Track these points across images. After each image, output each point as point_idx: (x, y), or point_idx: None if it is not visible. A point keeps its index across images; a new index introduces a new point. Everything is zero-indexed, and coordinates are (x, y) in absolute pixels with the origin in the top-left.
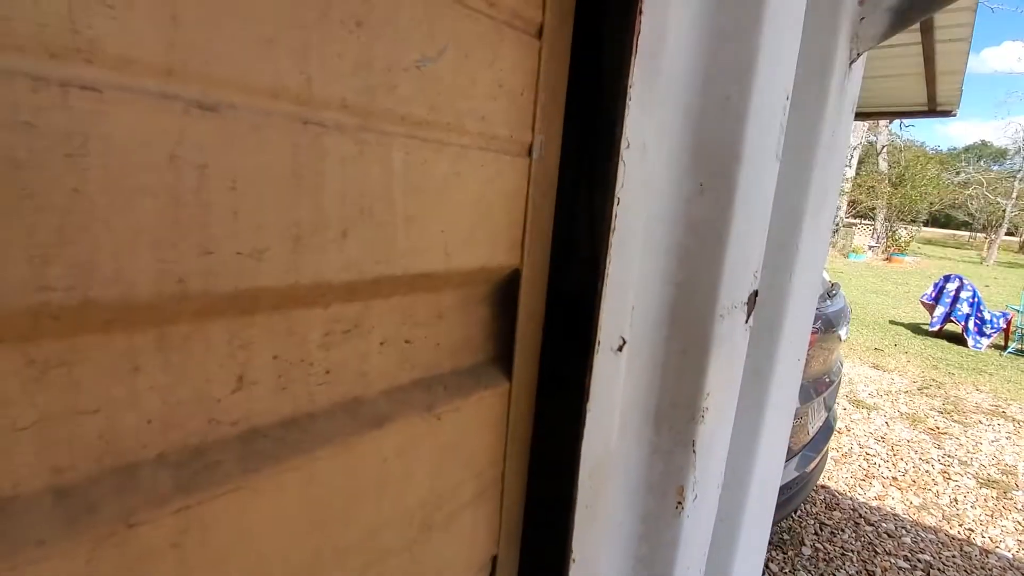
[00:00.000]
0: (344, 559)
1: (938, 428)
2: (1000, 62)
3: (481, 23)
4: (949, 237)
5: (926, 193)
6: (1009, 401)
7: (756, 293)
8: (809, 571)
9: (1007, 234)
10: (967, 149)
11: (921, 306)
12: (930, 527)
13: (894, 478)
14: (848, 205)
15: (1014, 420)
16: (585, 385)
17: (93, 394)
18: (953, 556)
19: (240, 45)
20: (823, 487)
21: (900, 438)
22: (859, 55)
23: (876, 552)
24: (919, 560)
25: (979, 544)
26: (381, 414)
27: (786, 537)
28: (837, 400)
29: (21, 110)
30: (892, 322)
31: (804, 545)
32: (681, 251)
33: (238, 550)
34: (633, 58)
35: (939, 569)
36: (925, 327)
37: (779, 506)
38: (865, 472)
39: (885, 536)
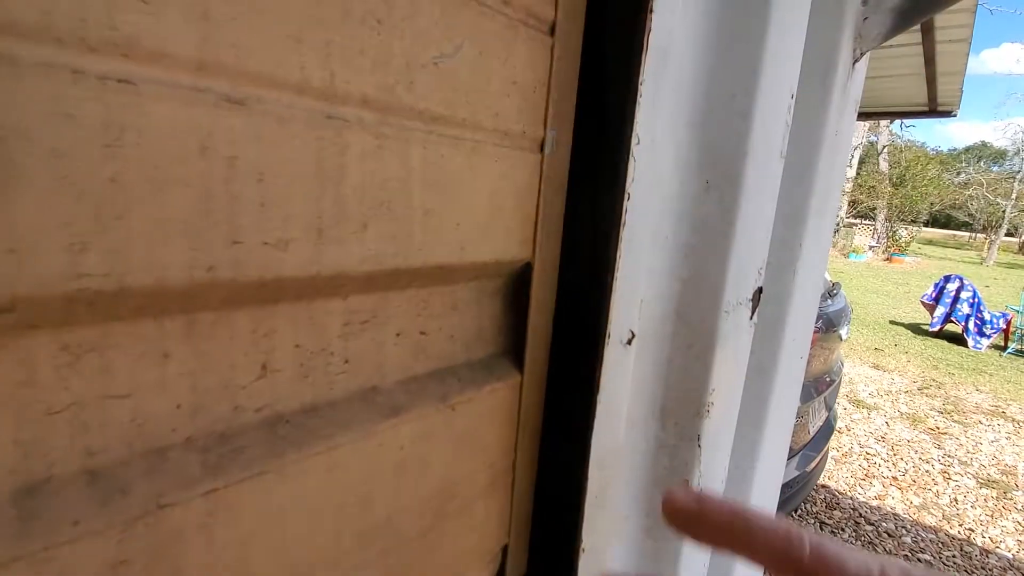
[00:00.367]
0: (364, 543)
1: (938, 428)
2: (999, 63)
3: (496, 20)
4: (949, 237)
5: (926, 193)
6: (1009, 401)
7: (760, 290)
8: None
9: (1007, 235)
10: (967, 150)
11: (921, 306)
12: (930, 527)
13: (894, 478)
14: (849, 205)
15: (1014, 420)
16: (596, 377)
17: (124, 379)
18: (953, 556)
19: (267, 41)
20: (823, 486)
21: (900, 438)
22: (862, 55)
23: (876, 552)
24: (919, 560)
25: (979, 544)
26: (397, 404)
27: None
28: (837, 400)
29: (63, 101)
30: (892, 322)
31: None
32: (687, 247)
33: (263, 532)
34: (644, 55)
35: (939, 569)
36: (925, 327)
37: (780, 505)
38: (865, 472)
39: (885, 536)
